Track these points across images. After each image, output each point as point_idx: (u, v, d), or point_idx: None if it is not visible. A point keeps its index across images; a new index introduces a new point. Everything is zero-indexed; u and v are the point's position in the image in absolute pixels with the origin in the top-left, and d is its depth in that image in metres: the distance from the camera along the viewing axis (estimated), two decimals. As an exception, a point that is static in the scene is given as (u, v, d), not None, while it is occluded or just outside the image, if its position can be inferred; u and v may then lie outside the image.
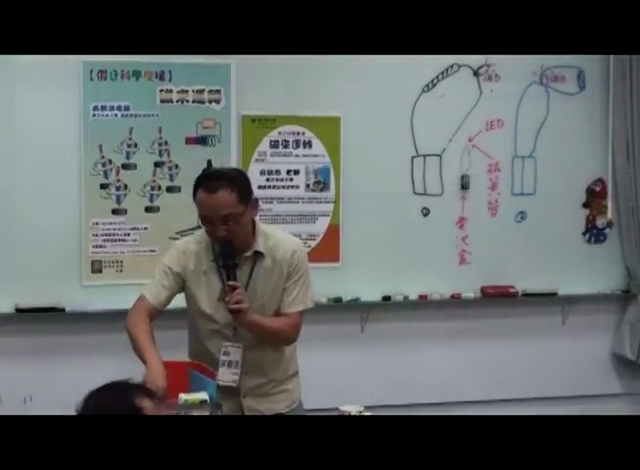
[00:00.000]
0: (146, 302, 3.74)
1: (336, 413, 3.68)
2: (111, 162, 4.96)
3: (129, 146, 4.98)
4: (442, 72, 5.38)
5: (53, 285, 4.90)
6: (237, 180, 3.59)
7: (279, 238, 3.72)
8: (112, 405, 2.40)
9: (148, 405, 2.42)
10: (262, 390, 3.77)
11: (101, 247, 4.96)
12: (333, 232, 5.29)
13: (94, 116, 4.92)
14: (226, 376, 3.67)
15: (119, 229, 4.98)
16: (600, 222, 5.69)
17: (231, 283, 3.53)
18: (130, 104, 4.96)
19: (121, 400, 2.41)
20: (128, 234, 5.00)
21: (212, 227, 3.53)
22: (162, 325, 5.05)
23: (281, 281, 3.68)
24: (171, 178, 5.04)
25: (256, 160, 5.13)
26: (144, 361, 3.58)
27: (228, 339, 3.68)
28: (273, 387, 3.79)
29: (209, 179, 3.59)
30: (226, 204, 3.50)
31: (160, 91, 5.01)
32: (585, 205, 5.67)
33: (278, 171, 5.17)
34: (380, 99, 5.27)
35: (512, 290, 5.52)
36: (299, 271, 3.70)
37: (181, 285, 3.72)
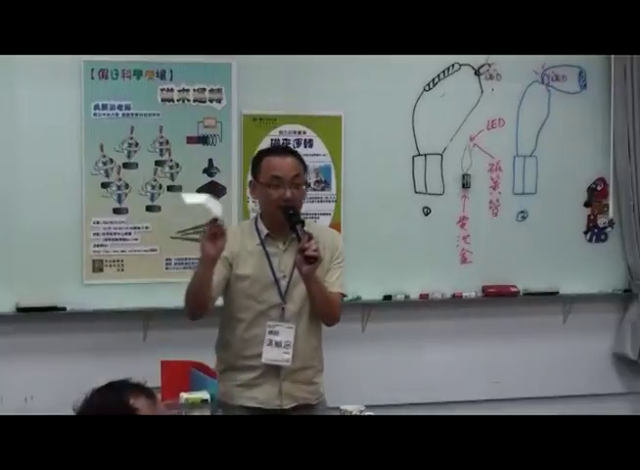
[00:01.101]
0: None
1: (337, 413, 3.68)
2: (112, 161, 4.96)
3: (130, 145, 4.97)
4: (443, 71, 5.38)
5: (54, 284, 4.90)
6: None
7: (317, 225, 4.00)
8: (108, 405, 2.40)
9: (144, 405, 2.42)
10: (301, 376, 3.87)
11: (102, 246, 4.95)
12: (334, 231, 5.28)
13: (95, 115, 4.92)
14: (273, 355, 3.78)
15: (120, 228, 4.98)
16: (601, 221, 5.68)
17: (308, 232, 3.70)
18: (131, 103, 4.96)
19: (118, 400, 2.41)
20: (129, 233, 4.99)
21: (281, 190, 3.76)
22: (163, 325, 5.08)
23: (324, 264, 3.80)
24: (172, 177, 5.03)
25: (257, 159, 5.12)
26: (200, 269, 3.68)
27: (274, 320, 3.80)
28: (311, 375, 3.91)
29: (277, 148, 4.15)
30: (295, 166, 3.83)
31: (161, 90, 5.00)
32: (586, 204, 5.67)
33: (279, 170, 5.16)
34: (381, 98, 5.26)
35: (513, 289, 5.52)
36: (342, 256, 3.92)
37: (228, 269, 3.81)
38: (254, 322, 3.80)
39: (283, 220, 3.76)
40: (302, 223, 3.73)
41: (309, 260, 3.65)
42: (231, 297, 3.84)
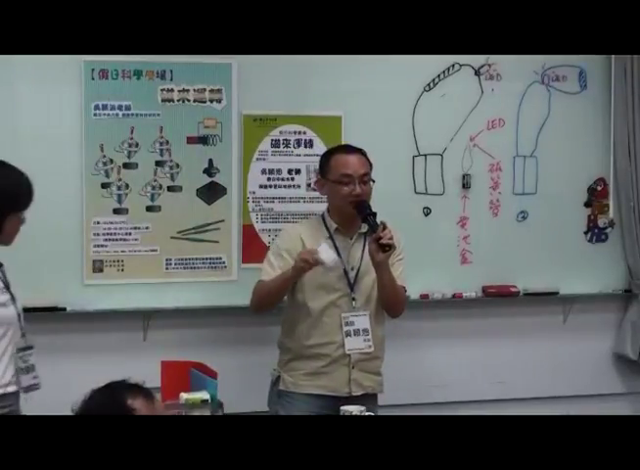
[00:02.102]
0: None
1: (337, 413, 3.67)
2: (112, 161, 4.95)
3: (130, 145, 4.97)
4: (444, 72, 5.37)
5: (54, 284, 4.89)
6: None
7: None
8: (106, 406, 2.40)
9: (142, 405, 2.43)
10: (369, 365, 4.13)
11: (102, 246, 4.95)
12: (334, 231, 5.27)
13: (95, 115, 4.92)
14: (355, 344, 4.03)
15: (120, 228, 4.97)
16: (601, 222, 5.68)
17: (382, 221, 3.96)
18: (131, 103, 4.96)
19: (116, 401, 2.41)
20: (129, 233, 4.99)
21: (351, 186, 4.08)
22: (163, 325, 5.08)
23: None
24: (172, 178, 5.03)
25: (257, 159, 5.12)
26: (288, 275, 4.03)
27: (344, 310, 4.05)
28: (378, 365, 4.19)
29: (345, 147, 4.36)
30: (363, 164, 4.18)
31: (162, 90, 5.00)
32: (587, 204, 5.66)
33: (279, 171, 5.16)
34: (381, 98, 5.26)
35: (513, 289, 5.52)
36: (403, 252, 4.22)
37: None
38: (324, 312, 4.04)
39: (352, 215, 4.05)
40: (374, 214, 3.98)
41: (384, 248, 3.89)
42: (301, 287, 4.06)
